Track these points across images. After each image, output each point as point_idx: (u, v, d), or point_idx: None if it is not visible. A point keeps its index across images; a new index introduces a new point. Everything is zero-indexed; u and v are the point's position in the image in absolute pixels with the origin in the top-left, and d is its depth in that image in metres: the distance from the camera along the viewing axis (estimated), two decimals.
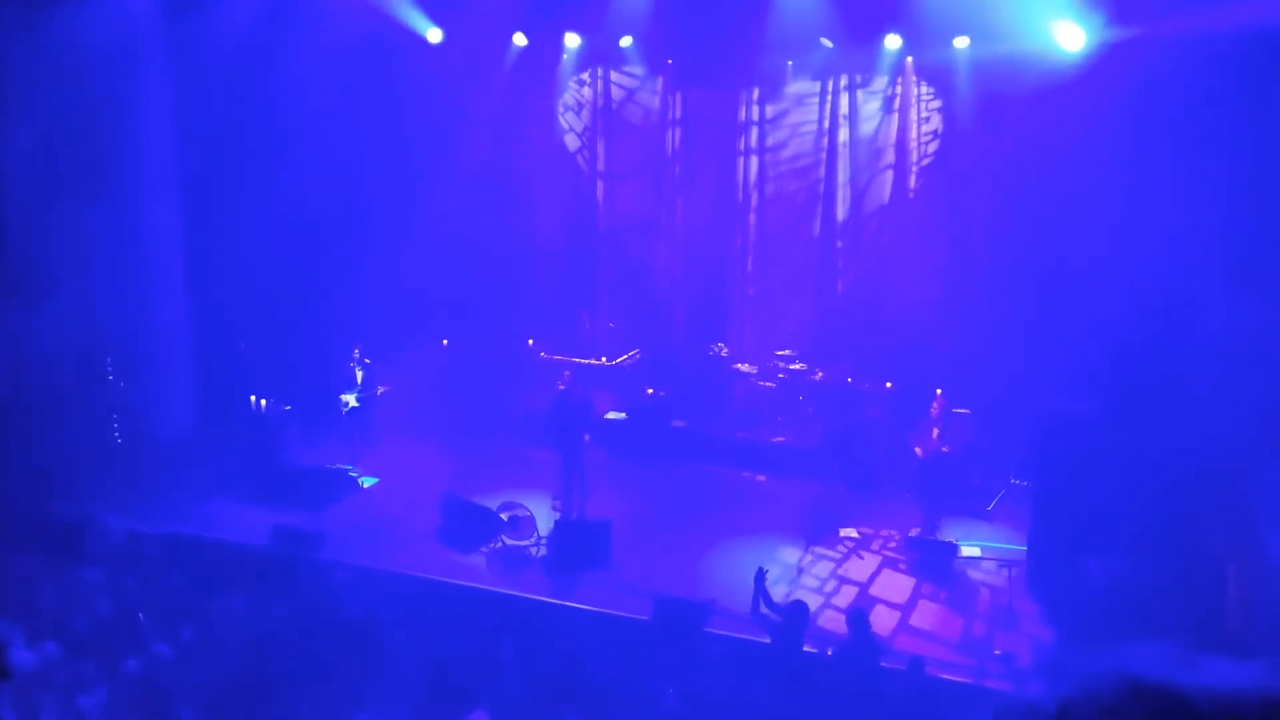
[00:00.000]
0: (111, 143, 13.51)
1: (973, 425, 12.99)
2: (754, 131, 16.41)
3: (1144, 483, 10.32)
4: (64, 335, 13.34)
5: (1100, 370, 11.83)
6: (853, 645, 9.13)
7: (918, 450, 12.48)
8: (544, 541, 12.15)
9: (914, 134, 15.44)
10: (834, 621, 10.41)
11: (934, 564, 11.80)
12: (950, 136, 15.17)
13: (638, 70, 16.81)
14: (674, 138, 16.84)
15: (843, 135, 15.87)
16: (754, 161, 16.47)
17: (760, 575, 9.70)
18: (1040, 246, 13.66)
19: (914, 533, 12.51)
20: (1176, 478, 10.18)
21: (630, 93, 17.12)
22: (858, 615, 9.33)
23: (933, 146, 15.41)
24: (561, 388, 13.19)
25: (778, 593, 10.00)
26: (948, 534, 12.32)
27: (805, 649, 9.36)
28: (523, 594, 11.16)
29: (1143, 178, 12.16)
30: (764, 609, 9.57)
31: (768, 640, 9.54)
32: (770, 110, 16.32)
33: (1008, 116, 13.94)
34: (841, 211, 16.03)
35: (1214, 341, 11.06)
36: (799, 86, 16.09)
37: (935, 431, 12.35)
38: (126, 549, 11.02)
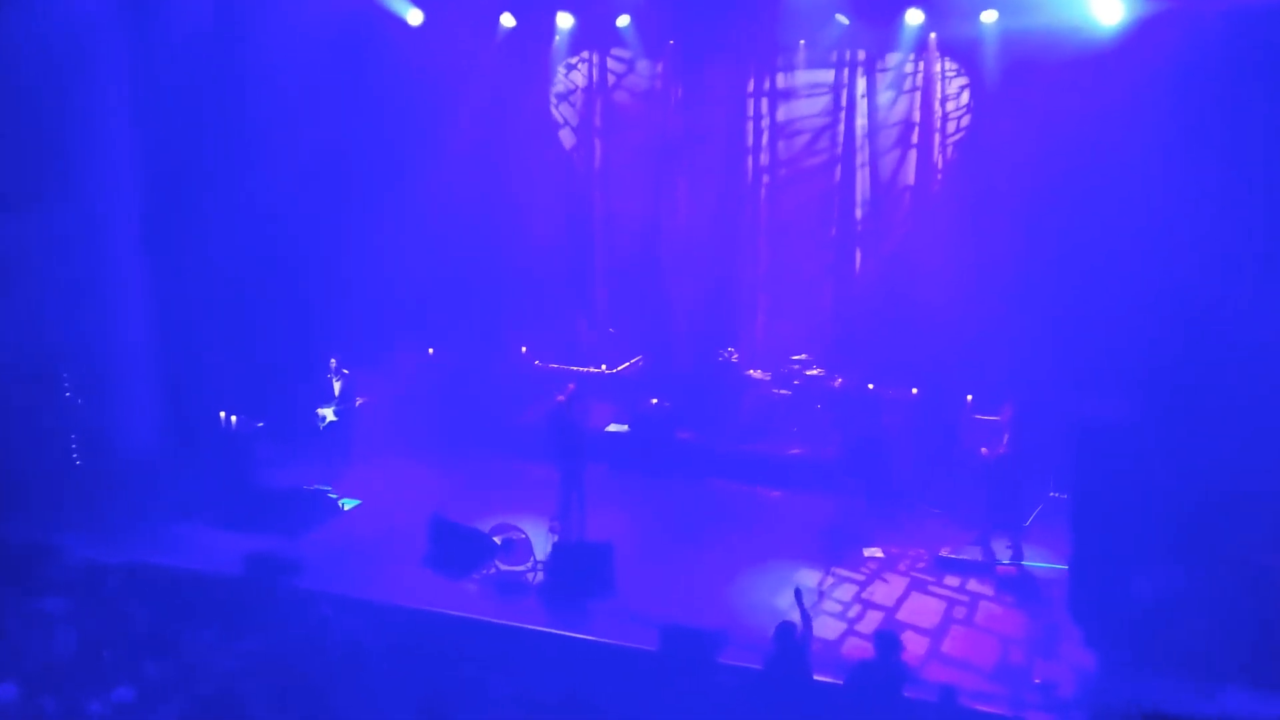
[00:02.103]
0: (64, 139, 13.52)
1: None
2: (764, 118, 16.45)
3: (1192, 492, 10.33)
4: (15, 349, 13.36)
5: (1141, 371, 11.85)
6: (879, 671, 9.12)
7: (983, 451, 12.55)
8: (541, 566, 12.16)
9: (938, 117, 15.48)
10: (859, 649, 10.43)
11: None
12: (977, 119, 15.21)
13: (636, 53, 16.84)
14: (676, 126, 16.86)
15: (860, 120, 15.93)
16: (764, 150, 16.51)
17: (799, 594, 9.73)
18: (1074, 238, 13.68)
19: (945, 551, 12.56)
20: (1226, 485, 10.20)
21: (628, 78, 17.16)
22: (887, 639, 9.32)
23: (957, 130, 15.45)
24: (560, 399, 13.21)
25: (793, 618, 9.99)
26: (998, 550, 12.40)
27: (819, 678, 9.37)
28: (518, 624, 11.16)
29: (1184, 162, 12.18)
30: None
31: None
32: (781, 94, 16.36)
33: (1039, 96, 13.98)
34: (860, 203, 16.08)
35: (1262, 338, 11.08)
36: (812, 68, 16.14)
37: (1005, 437, 12.39)
38: (86, 579, 11.03)
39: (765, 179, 16.60)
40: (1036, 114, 14.07)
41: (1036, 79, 13.96)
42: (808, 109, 16.32)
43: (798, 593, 9.80)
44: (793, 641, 9.29)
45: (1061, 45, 13.46)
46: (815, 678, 9.35)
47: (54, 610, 9.87)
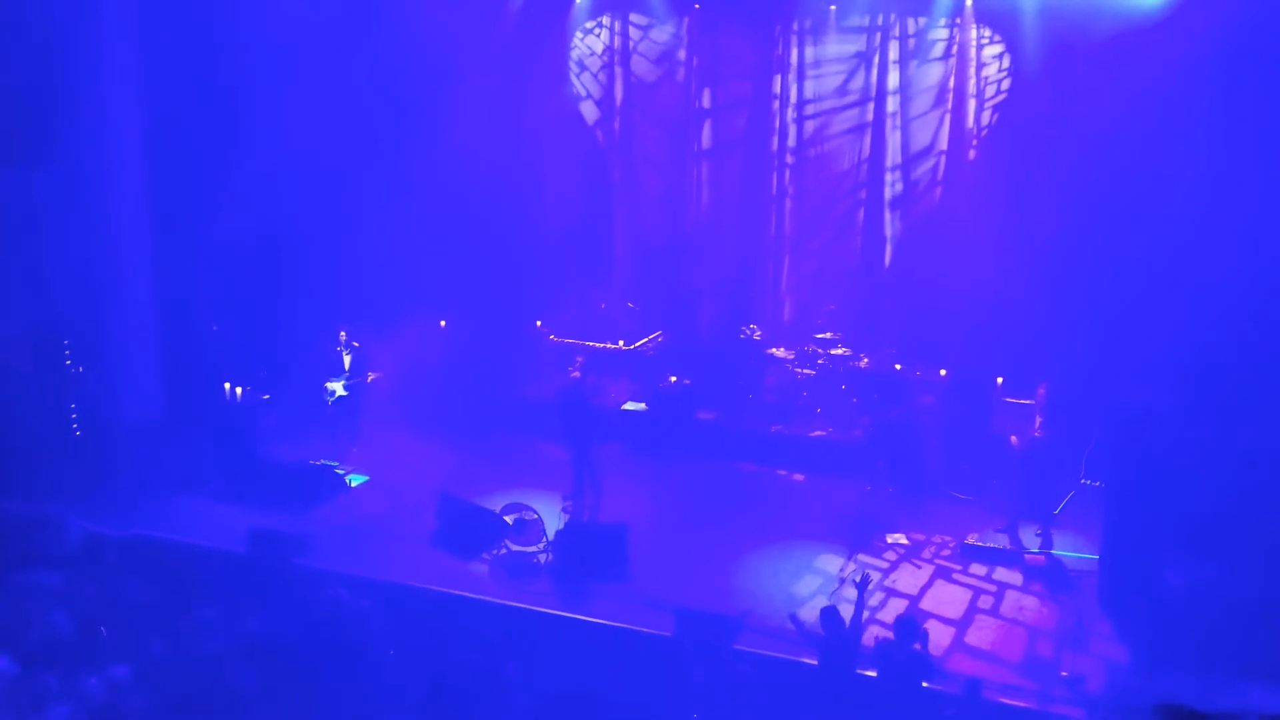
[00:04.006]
0: (67, 100, 13.50)
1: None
2: (791, 87, 16.32)
3: (1232, 484, 10.24)
4: (15, 315, 13.39)
5: (1184, 357, 11.74)
6: (900, 660, 9.09)
7: (1013, 440, 12.48)
8: (552, 547, 12.17)
9: (973, 88, 15.33)
10: (880, 637, 10.39)
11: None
12: (1014, 90, 15.06)
13: (658, 17, 16.70)
14: (700, 93, 16.75)
15: (892, 89, 15.78)
16: (791, 120, 16.38)
17: (864, 582, 9.69)
18: (1116, 215, 13.55)
19: (972, 539, 12.51)
20: (1266, 480, 10.11)
21: (650, 44, 17.03)
22: (908, 625, 9.28)
23: (994, 102, 15.31)
24: (574, 375, 13.19)
25: (814, 606, 9.98)
26: (1026, 538, 12.37)
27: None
28: (529, 606, 11.17)
29: (1234, 141, 12.05)
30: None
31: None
32: (810, 61, 16.22)
33: (1080, 68, 13.84)
34: (890, 176, 15.95)
35: None
36: (842, 33, 15.99)
37: (1039, 421, 12.31)
38: (86, 553, 11.10)
39: (791, 150, 16.46)
40: (1076, 87, 13.92)
41: (1077, 51, 13.82)
42: (838, 77, 16.17)
43: (863, 580, 9.71)
44: (841, 630, 9.26)
45: (1104, 18, 13.33)
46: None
47: (52, 585, 9.93)
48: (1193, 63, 12.28)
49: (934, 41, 15.52)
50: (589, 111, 17.42)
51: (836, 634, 9.27)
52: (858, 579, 9.66)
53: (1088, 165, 13.79)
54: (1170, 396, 11.10)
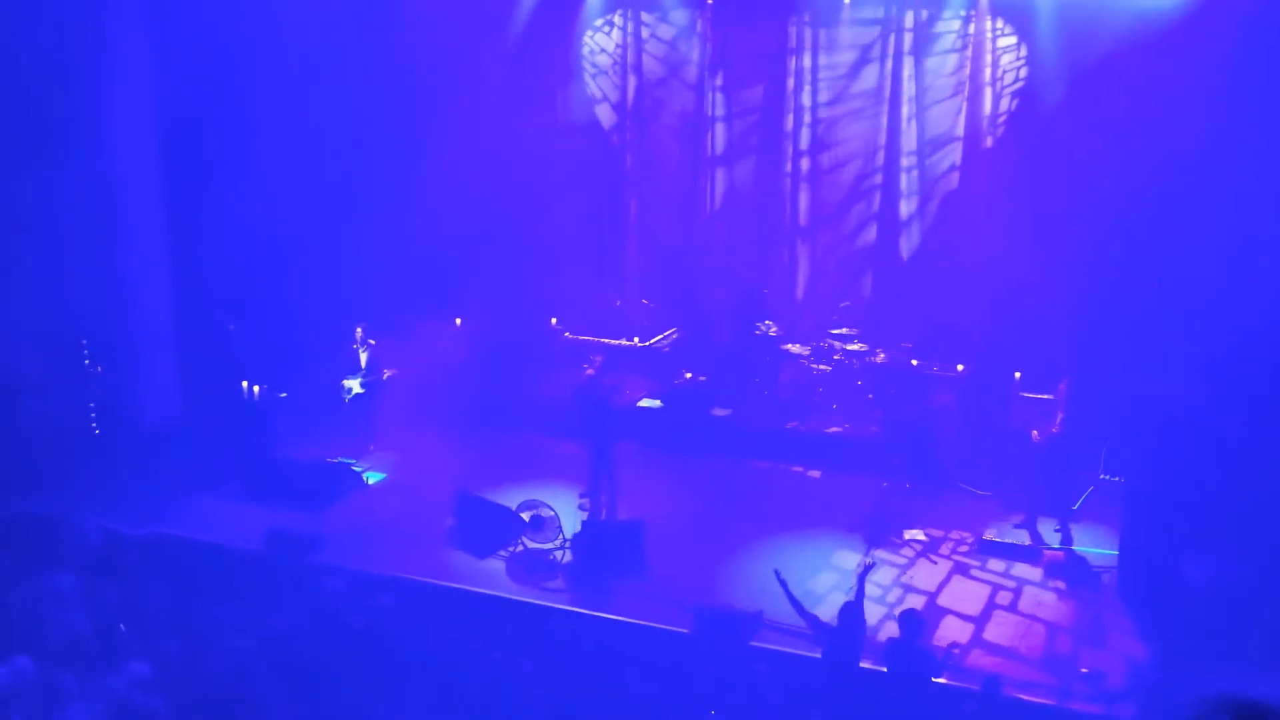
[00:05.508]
0: (79, 99, 13.55)
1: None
2: (806, 81, 16.25)
3: (1254, 479, 10.18)
4: (33, 316, 13.44)
5: (1207, 352, 11.66)
6: (903, 655, 9.03)
7: (1035, 435, 12.42)
8: (569, 544, 12.16)
9: (989, 80, 15.24)
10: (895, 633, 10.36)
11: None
12: (1032, 83, 14.93)
13: (671, 12, 16.67)
14: (713, 88, 16.71)
15: (907, 82, 15.69)
16: (806, 114, 16.31)
17: (865, 570, 9.64)
18: (1138, 210, 13.45)
19: (990, 534, 12.45)
20: None
21: (663, 39, 16.98)
22: (911, 619, 9.21)
23: (1011, 95, 15.20)
24: (589, 372, 13.18)
25: (833, 602, 9.94)
26: (1045, 533, 12.31)
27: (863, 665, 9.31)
28: (546, 603, 11.19)
29: (1260, 136, 11.96)
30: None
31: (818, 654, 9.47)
32: (824, 55, 16.15)
33: (1100, 60, 13.72)
34: (906, 170, 15.87)
35: None
36: (856, 25, 15.92)
37: (1060, 416, 12.24)
38: (104, 552, 11.13)
39: (806, 145, 16.38)
40: (1097, 80, 13.79)
41: (1098, 41, 13.69)
42: (853, 71, 16.07)
43: (865, 569, 9.67)
44: (856, 626, 9.20)
45: (1120, 14, 13.25)
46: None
47: (70, 584, 9.96)
48: (1215, 55, 12.20)
49: (948, 32, 15.43)
50: (602, 107, 17.38)
51: (842, 626, 9.21)
52: (859, 569, 9.63)
53: (1110, 157, 13.67)
54: (1192, 391, 11.03)
